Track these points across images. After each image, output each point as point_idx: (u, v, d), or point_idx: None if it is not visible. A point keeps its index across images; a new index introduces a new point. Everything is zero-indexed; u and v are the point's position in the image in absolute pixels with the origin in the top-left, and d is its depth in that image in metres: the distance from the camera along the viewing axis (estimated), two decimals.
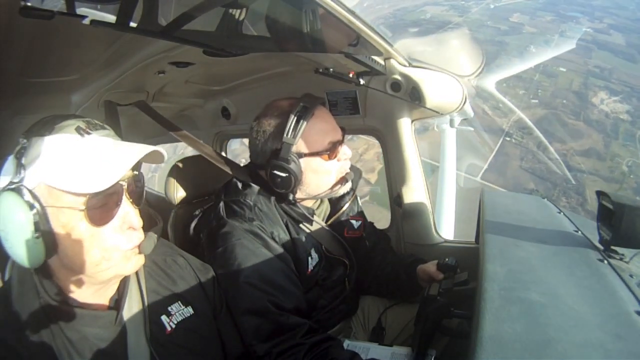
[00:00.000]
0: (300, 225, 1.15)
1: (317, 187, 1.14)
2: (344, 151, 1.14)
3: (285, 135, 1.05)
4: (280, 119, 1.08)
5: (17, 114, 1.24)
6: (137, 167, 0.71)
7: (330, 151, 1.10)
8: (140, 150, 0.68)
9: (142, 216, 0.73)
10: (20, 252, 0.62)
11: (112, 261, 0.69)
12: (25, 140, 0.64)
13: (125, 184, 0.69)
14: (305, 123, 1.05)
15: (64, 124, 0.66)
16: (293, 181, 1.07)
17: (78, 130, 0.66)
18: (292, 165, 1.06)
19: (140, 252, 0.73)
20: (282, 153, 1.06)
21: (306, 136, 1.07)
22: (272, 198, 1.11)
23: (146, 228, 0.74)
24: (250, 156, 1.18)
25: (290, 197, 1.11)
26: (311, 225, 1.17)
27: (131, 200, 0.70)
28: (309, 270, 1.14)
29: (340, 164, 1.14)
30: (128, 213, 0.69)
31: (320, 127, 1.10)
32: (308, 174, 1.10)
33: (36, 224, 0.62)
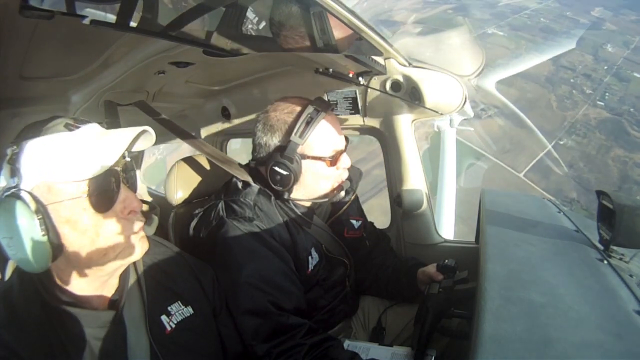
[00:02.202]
0: (301, 225, 1.15)
1: (313, 191, 1.15)
2: (344, 160, 1.15)
3: (293, 134, 1.06)
4: (290, 117, 1.09)
5: (17, 114, 1.24)
6: (131, 156, 0.72)
7: (333, 158, 1.11)
8: (131, 131, 0.69)
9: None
10: (28, 257, 0.62)
11: (119, 248, 0.70)
12: (15, 147, 0.64)
13: (120, 169, 0.70)
14: (314, 126, 1.06)
15: (51, 124, 0.67)
16: (292, 180, 1.08)
17: (67, 126, 0.67)
18: (294, 165, 1.07)
19: (144, 235, 0.74)
20: (286, 151, 1.07)
21: (313, 139, 1.08)
22: (272, 197, 1.11)
23: (144, 216, 0.76)
24: (253, 149, 1.19)
25: (286, 195, 1.11)
26: (311, 225, 1.17)
27: (127, 185, 0.72)
28: (309, 270, 1.14)
29: (339, 172, 1.15)
30: (128, 197, 0.71)
31: (327, 132, 1.11)
32: (307, 176, 1.11)
33: (41, 225, 0.62)
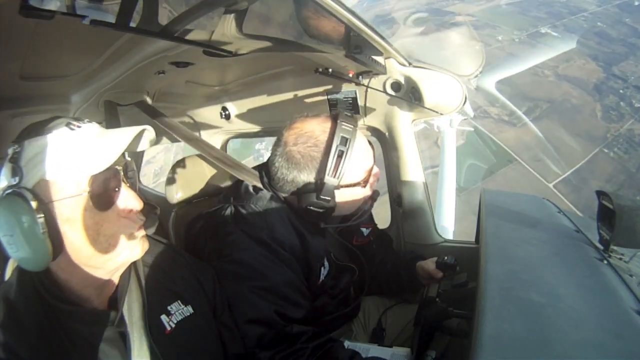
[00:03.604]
0: (312, 234, 1.09)
1: (349, 212, 1.10)
2: (375, 172, 1.08)
3: (326, 174, 0.98)
4: (316, 153, 0.99)
5: (17, 114, 1.24)
6: (132, 155, 0.73)
7: (366, 179, 1.05)
8: (132, 130, 0.70)
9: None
10: (28, 255, 0.62)
11: (119, 247, 0.70)
12: (16, 146, 0.65)
13: (121, 168, 0.70)
14: (347, 158, 0.97)
15: (52, 124, 0.67)
16: (329, 214, 1.03)
17: (68, 125, 0.67)
18: (331, 202, 1.00)
19: (144, 234, 0.75)
20: (321, 192, 0.99)
21: (346, 170, 1.00)
22: (284, 205, 1.06)
23: (145, 215, 0.76)
24: (273, 179, 1.08)
25: (322, 225, 1.07)
26: (323, 234, 1.13)
27: (128, 184, 0.72)
28: (320, 280, 1.11)
29: (371, 184, 1.09)
30: (128, 196, 0.71)
31: (359, 157, 1.02)
32: (343, 204, 1.05)
33: (42, 223, 0.62)
